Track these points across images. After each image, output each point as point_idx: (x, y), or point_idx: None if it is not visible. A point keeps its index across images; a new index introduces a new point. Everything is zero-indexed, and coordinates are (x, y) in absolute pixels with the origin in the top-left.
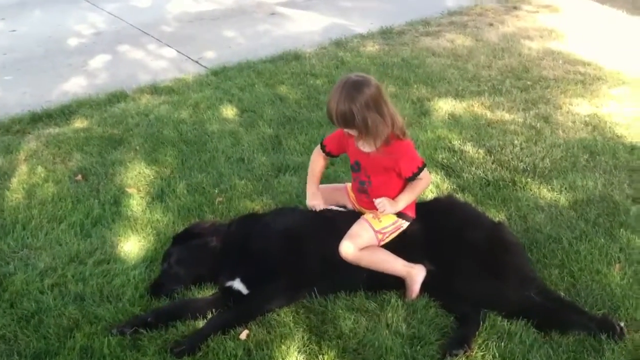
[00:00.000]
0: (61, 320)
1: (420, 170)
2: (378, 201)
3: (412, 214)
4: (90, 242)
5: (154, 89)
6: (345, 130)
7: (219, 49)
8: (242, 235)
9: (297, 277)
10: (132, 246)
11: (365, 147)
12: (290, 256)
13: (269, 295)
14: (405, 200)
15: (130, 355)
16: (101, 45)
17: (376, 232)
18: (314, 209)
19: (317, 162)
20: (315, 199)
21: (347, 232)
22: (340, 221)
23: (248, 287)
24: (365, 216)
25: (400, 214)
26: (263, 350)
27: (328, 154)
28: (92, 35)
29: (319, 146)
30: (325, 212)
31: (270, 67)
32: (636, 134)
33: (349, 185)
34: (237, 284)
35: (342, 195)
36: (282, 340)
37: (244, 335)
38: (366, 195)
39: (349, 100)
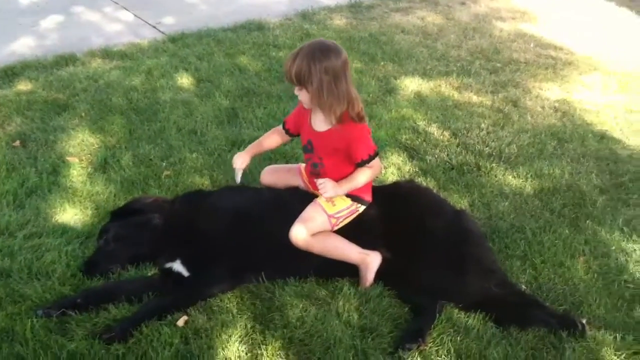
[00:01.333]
0: None
1: (372, 158)
2: (320, 182)
3: (368, 197)
4: (23, 213)
5: (106, 54)
6: (296, 91)
7: (179, 14)
8: (185, 214)
9: (243, 260)
10: (67, 220)
11: (319, 125)
12: (236, 238)
13: (211, 279)
14: (348, 186)
15: (55, 340)
16: (55, 5)
17: (329, 216)
18: (233, 167)
19: (270, 135)
20: (240, 158)
21: (299, 215)
22: (292, 203)
23: (189, 270)
24: (318, 199)
25: (355, 198)
26: (202, 338)
27: (287, 131)
28: None
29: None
30: (277, 193)
31: (232, 36)
32: (606, 122)
33: (303, 166)
34: (178, 266)
35: (295, 176)
36: (223, 329)
37: (181, 321)
38: (318, 178)
39: (310, 59)
